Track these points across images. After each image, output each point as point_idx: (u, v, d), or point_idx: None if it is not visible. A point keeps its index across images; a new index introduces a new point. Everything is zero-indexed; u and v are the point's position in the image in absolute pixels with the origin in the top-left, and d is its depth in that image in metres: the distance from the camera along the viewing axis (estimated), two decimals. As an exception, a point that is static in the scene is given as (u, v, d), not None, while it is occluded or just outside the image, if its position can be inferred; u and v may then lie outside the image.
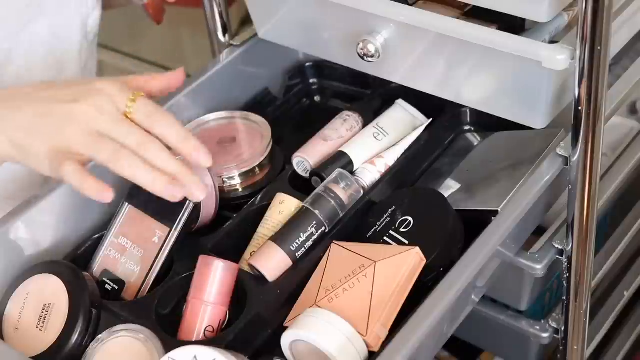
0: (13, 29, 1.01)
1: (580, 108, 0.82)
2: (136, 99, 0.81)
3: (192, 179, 0.81)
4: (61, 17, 1.05)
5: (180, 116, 1.01)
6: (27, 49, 1.03)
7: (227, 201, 0.97)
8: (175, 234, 0.90)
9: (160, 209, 0.91)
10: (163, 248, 0.90)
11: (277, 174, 1.00)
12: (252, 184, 0.99)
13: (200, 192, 0.82)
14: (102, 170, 0.97)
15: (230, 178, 0.98)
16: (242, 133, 1.03)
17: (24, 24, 1.02)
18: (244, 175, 0.99)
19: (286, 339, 0.81)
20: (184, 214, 0.90)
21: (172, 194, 0.80)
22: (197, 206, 0.91)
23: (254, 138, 1.01)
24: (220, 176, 0.97)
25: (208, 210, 0.94)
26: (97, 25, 1.12)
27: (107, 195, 0.80)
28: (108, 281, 0.92)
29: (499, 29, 0.92)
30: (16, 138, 0.82)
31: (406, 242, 0.88)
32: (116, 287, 0.92)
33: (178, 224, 0.90)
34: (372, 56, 0.96)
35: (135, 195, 0.93)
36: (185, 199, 0.89)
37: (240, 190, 0.99)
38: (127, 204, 0.93)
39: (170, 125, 0.81)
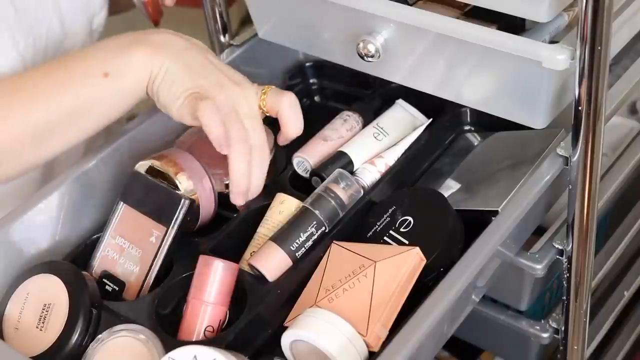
0: (33, 23, 1.01)
1: (580, 108, 0.82)
2: (267, 89, 0.91)
3: (254, 194, 0.90)
4: (71, 14, 1.06)
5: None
6: (46, 46, 1.03)
7: (227, 201, 0.97)
8: (172, 232, 0.90)
9: (156, 208, 0.90)
10: (161, 248, 0.90)
11: (279, 174, 1.00)
12: None
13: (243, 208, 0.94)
14: (101, 171, 0.98)
15: (227, 185, 0.98)
16: None
17: (40, 19, 1.02)
18: None
19: (286, 339, 0.81)
20: (179, 212, 0.89)
21: (237, 201, 0.90)
22: (192, 205, 0.91)
23: None
24: (222, 180, 0.97)
25: (207, 211, 0.94)
26: (102, 25, 1.12)
27: (225, 149, 0.87)
28: (108, 282, 0.92)
29: (499, 29, 0.92)
30: (173, 69, 0.88)
31: (406, 242, 0.88)
32: (117, 288, 0.91)
33: (175, 223, 0.89)
34: (372, 56, 0.96)
35: (130, 193, 0.92)
36: (180, 198, 0.89)
37: None
38: (122, 203, 0.92)
39: (294, 115, 0.92)
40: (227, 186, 0.97)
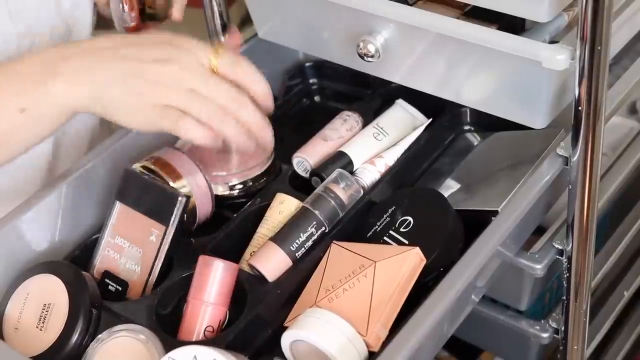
0: (32, 23, 1.01)
1: (580, 108, 0.82)
2: (219, 53, 0.85)
3: (267, 133, 0.87)
4: (77, 11, 1.06)
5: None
6: (50, 40, 1.03)
7: (228, 202, 0.97)
8: (172, 231, 0.89)
9: (152, 207, 0.90)
10: (162, 246, 0.90)
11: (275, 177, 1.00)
12: (255, 191, 0.98)
13: (269, 145, 0.88)
14: (101, 171, 0.98)
15: (232, 187, 0.98)
16: None
17: (42, 19, 1.02)
18: (246, 182, 0.98)
19: (286, 339, 0.81)
20: (177, 210, 0.89)
21: (248, 146, 0.85)
22: (188, 201, 0.90)
23: None
24: (226, 182, 0.97)
25: (205, 208, 0.94)
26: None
27: (218, 142, 0.84)
28: (111, 282, 0.92)
29: (499, 29, 0.92)
30: (105, 93, 0.83)
31: (406, 242, 0.88)
32: (120, 288, 0.91)
33: (174, 221, 0.89)
34: (372, 56, 0.96)
35: (125, 192, 0.92)
36: (176, 196, 0.89)
37: (242, 194, 0.98)
38: (117, 202, 0.92)
39: (253, 79, 0.87)
40: (231, 188, 0.97)
